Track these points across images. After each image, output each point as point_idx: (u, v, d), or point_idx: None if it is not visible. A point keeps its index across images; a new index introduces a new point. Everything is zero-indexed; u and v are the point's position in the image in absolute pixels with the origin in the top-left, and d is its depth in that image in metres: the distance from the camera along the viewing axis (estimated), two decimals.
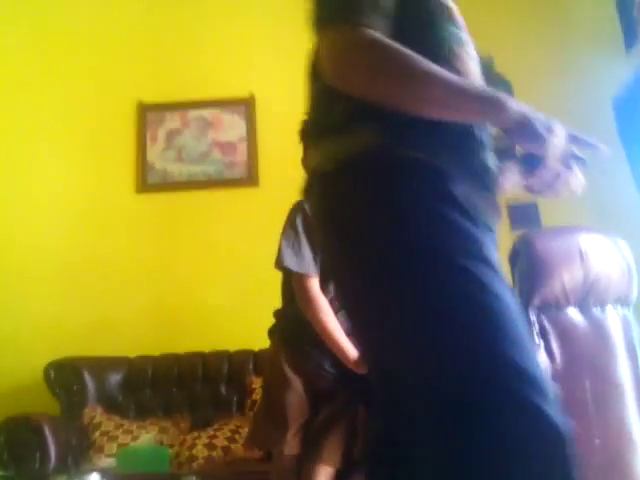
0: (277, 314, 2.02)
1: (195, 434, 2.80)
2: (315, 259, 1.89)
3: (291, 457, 1.85)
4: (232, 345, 3.25)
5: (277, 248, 1.90)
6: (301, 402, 1.87)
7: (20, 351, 3.37)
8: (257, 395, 2.88)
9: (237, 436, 2.75)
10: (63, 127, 3.79)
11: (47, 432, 2.70)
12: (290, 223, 1.93)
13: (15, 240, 3.60)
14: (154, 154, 3.78)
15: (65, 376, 3.09)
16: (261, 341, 2.60)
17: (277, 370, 1.89)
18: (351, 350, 1.83)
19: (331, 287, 1.89)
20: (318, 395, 1.89)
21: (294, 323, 1.91)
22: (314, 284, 1.88)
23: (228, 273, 3.53)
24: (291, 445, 1.85)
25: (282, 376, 1.88)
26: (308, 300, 1.87)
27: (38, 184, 3.71)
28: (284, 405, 1.86)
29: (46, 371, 3.09)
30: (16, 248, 3.59)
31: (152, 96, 3.82)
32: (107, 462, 2.53)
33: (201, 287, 3.51)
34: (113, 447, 2.78)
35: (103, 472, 1.72)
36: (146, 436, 2.34)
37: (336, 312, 1.87)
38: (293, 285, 1.94)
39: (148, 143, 3.79)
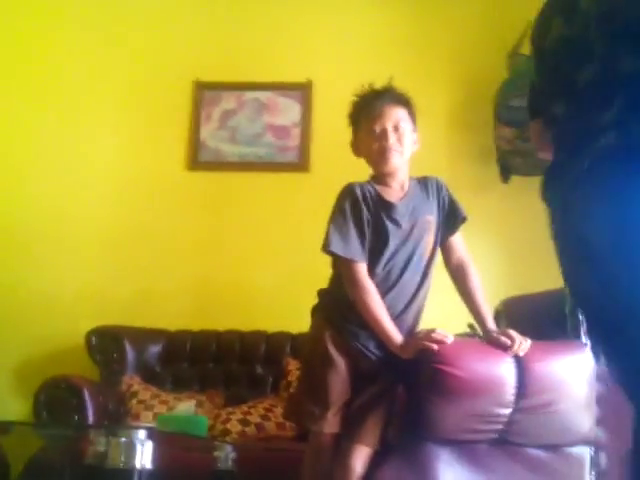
0: (322, 293, 2.02)
1: (229, 409, 2.82)
2: (362, 243, 1.89)
3: (329, 436, 1.85)
4: (270, 326, 3.26)
5: (325, 232, 1.90)
6: (344, 381, 1.86)
7: (63, 316, 3.45)
8: (292, 377, 2.88)
9: (271, 414, 2.76)
10: (120, 102, 3.84)
11: (86, 395, 2.74)
12: (339, 207, 1.93)
13: (67, 209, 3.67)
14: (207, 133, 3.81)
15: (106, 343, 3.14)
16: (299, 324, 2.63)
17: (321, 348, 1.89)
18: (395, 334, 1.83)
19: (378, 270, 1.89)
20: (360, 375, 1.89)
21: (341, 303, 1.91)
22: (361, 269, 1.88)
23: (272, 256, 3.55)
24: (331, 424, 1.84)
25: (326, 354, 1.87)
26: (354, 284, 1.87)
27: (92, 155, 3.77)
28: (326, 383, 1.85)
29: (88, 337, 3.15)
30: (67, 216, 3.66)
31: (209, 75, 3.84)
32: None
33: (245, 267, 3.53)
34: (149, 416, 2.81)
35: (149, 429, 1.74)
36: (185, 404, 2.36)
37: (383, 296, 1.87)
38: (340, 269, 1.95)
39: (202, 121, 3.81)
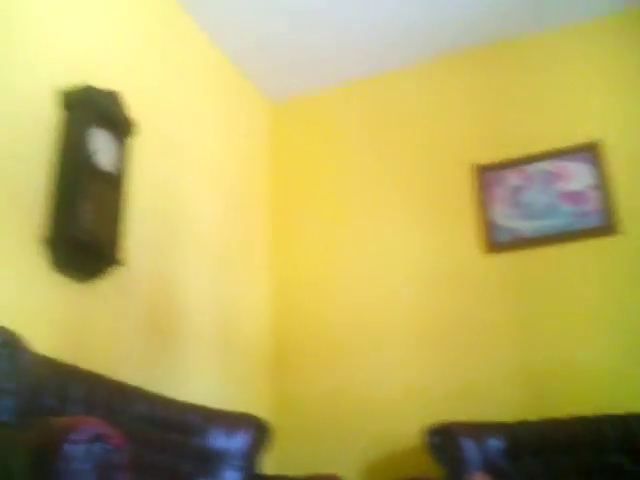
0: None
1: None
2: None
3: None
4: (616, 408, 2.97)
5: None
6: None
7: (393, 416, 3.52)
8: None
9: None
10: (405, 197, 3.99)
11: None
12: None
13: (378, 310, 3.82)
14: (498, 213, 3.75)
15: (443, 441, 3.09)
16: None
17: None
18: None
19: None
20: None
21: None
22: None
23: (596, 329, 3.30)
24: None
25: None
26: None
27: (390, 255, 3.92)
28: None
29: (424, 436, 3.15)
30: (379, 318, 3.80)
31: (487, 156, 3.84)
32: None
33: (568, 346, 3.33)
34: None
35: None
36: None
37: None
38: None
39: (490, 203, 3.78)
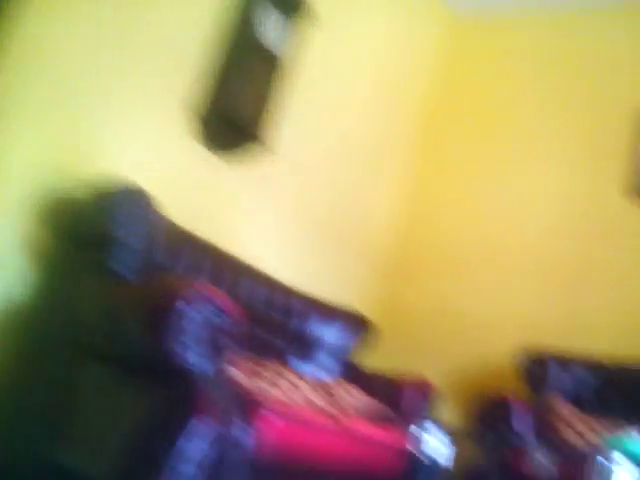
0: None
1: None
2: None
3: None
4: None
5: None
6: None
7: (494, 335, 3.67)
8: None
9: None
10: (557, 134, 3.95)
11: (515, 411, 2.86)
12: None
13: (505, 240, 3.89)
14: None
15: (532, 363, 3.25)
16: None
17: None
18: None
19: None
20: None
21: None
22: None
23: None
24: None
25: None
26: None
27: (531, 188, 3.94)
28: None
29: (515, 356, 3.32)
30: (505, 247, 3.87)
31: None
32: None
33: None
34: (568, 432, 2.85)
35: None
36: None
37: None
38: None
39: None
